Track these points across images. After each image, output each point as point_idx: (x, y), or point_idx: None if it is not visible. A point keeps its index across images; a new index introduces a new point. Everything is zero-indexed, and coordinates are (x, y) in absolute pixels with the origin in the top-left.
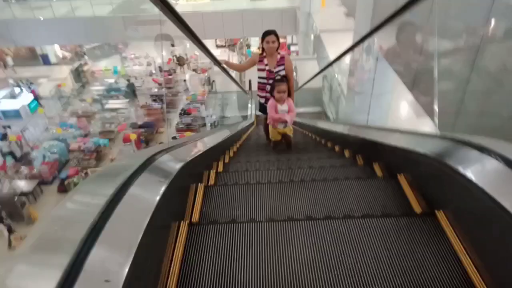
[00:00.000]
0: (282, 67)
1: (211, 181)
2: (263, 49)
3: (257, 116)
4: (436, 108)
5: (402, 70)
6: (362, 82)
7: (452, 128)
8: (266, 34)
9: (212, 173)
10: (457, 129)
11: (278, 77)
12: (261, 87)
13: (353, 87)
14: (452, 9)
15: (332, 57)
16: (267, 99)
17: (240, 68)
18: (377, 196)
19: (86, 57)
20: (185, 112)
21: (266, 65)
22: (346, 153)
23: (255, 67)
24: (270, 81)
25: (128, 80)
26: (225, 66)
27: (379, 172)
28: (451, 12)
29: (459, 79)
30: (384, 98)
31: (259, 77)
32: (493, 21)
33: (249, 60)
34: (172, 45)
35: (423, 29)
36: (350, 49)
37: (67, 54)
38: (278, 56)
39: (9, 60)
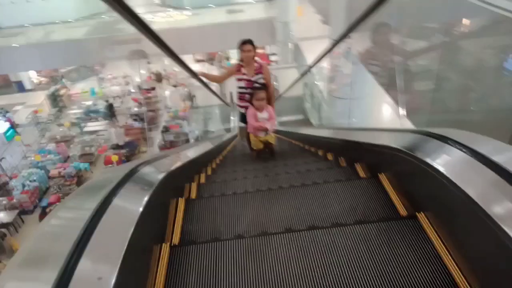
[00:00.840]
0: (260, 75)
1: (193, 194)
2: (241, 59)
3: (240, 128)
4: (402, 107)
5: (377, 72)
6: (342, 87)
7: (428, 125)
8: (242, 43)
9: (194, 185)
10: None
11: (257, 86)
12: (241, 96)
13: (333, 92)
14: (421, 9)
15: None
16: (247, 109)
17: (219, 79)
18: (360, 198)
19: (63, 80)
20: (167, 129)
21: (244, 74)
22: (329, 156)
23: (234, 79)
24: (250, 90)
25: (107, 101)
26: (203, 78)
27: (361, 173)
28: (420, 12)
29: (432, 78)
30: (364, 101)
31: (239, 87)
32: (459, 20)
33: (227, 70)
34: (148, 62)
35: (394, 30)
36: (325, 54)
37: (43, 79)
38: (256, 65)
39: None
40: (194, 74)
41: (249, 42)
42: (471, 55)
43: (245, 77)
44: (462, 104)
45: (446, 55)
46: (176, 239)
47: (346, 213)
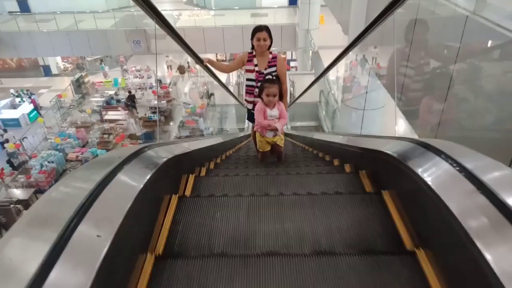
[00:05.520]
0: (274, 68)
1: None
2: (252, 47)
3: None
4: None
5: (412, 76)
6: (356, 97)
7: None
8: (257, 30)
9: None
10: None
11: (270, 78)
12: (249, 90)
13: (347, 102)
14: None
15: (329, 73)
16: (255, 105)
17: (226, 69)
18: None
19: (103, 65)
20: (183, 125)
21: (256, 65)
22: (347, 168)
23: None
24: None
25: (130, 92)
26: (209, 65)
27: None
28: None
29: (440, 94)
30: (377, 112)
31: (247, 79)
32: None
33: (236, 59)
34: (167, 56)
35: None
36: (341, 55)
37: (69, 66)
38: (270, 56)
39: None
40: (199, 60)
41: (265, 29)
42: (492, 77)
43: (256, 68)
44: (477, 124)
45: (466, 75)
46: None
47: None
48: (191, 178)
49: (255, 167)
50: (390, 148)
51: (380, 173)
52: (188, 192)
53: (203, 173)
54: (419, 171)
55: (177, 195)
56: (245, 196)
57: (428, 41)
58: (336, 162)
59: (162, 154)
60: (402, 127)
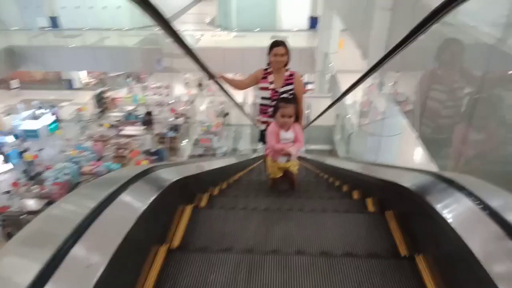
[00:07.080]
0: (290, 87)
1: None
2: (268, 64)
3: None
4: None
5: (444, 101)
6: (374, 123)
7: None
8: (274, 44)
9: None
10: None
11: (285, 96)
12: (263, 110)
13: (364, 127)
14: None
15: (346, 97)
16: (269, 125)
17: (240, 85)
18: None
19: (129, 79)
20: (198, 143)
21: (271, 83)
22: (370, 205)
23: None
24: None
25: (147, 109)
26: (221, 81)
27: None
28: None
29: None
30: (394, 139)
31: (262, 98)
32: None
33: (251, 76)
34: (184, 74)
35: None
36: (361, 79)
37: (92, 80)
38: (287, 73)
39: (14, 83)
40: (211, 76)
41: (282, 44)
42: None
43: (271, 86)
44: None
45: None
46: None
47: None
48: (187, 213)
49: (266, 196)
50: (424, 190)
51: (411, 218)
52: (177, 241)
53: (203, 202)
54: (473, 246)
55: (167, 245)
56: (246, 253)
57: (464, 62)
58: (355, 195)
59: (156, 185)
60: (418, 156)
